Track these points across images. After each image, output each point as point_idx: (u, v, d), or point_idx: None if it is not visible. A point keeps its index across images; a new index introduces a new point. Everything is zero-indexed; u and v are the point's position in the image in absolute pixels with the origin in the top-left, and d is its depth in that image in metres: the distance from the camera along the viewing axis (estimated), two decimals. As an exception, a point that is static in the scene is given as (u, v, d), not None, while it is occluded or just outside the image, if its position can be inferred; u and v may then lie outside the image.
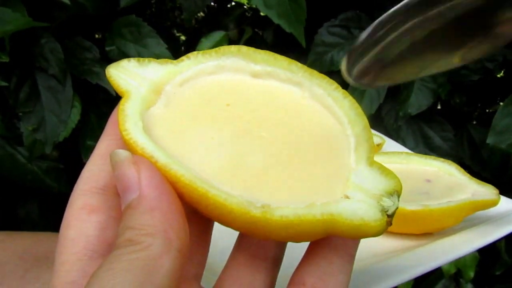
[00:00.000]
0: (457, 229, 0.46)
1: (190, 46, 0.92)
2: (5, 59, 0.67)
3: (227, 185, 0.24)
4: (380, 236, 0.48)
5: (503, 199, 0.46)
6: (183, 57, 0.29)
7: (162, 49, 0.79)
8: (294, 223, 0.22)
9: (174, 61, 0.29)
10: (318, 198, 0.24)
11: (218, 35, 0.89)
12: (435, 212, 0.44)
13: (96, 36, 0.85)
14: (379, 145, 0.57)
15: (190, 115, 0.28)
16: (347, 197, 0.23)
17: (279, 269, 0.27)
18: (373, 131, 0.62)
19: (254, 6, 0.77)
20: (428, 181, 0.48)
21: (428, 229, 0.47)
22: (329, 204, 0.23)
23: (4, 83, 0.70)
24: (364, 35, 0.24)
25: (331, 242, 0.25)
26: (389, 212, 0.23)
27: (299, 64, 0.29)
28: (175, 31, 1.15)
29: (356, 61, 0.24)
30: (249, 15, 1.04)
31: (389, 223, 0.23)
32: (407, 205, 0.45)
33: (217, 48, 0.29)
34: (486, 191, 0.46)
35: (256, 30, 1.02)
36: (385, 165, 0.54)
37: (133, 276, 0.20)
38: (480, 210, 0.45)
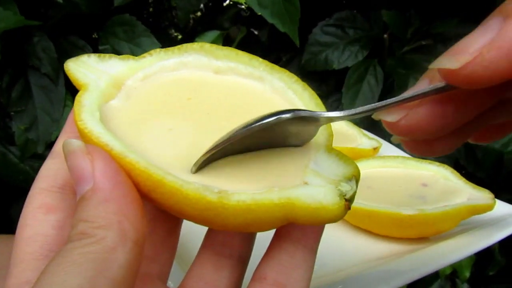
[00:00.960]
0: (453, 233, 0.45)
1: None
2: None
3: (183, 173, 0.24)
4: (377, 240, 0.48)
5: (499, 203, 0.46)
6: (145, 54, 0.29)
7: (156, 48, 0.77)
8: (252, 208, 0.22)
9: (136, 57, 0.29)
10: (277, 184, 0.23)
11: (213, 34, 0.88)
12: (431, 217, 0.44)
13: (93, 36, 0.84)
14: (376, 149, 0.57)
15: (150, 108, 0.27)
16: (306, 183, 0.23)
17: (246, 267, 0.27)
18: (370, 135, 0.62)
19: (248, 4, 0.76)
20: (424, 185, 0.48)
21: (424, 233, 0.47)
22: (287, 189, 0.23)
23: None
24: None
25: (292, 235, 0.25)
26: (347, 196, 0.22)
27: (260, 59, 0.29)
28: (172, 30, 1.14)
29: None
30: (247, 14, 1.04)
31: (347, 206, 0.22)
32: (403, 209, 0.44)
33: (179, 46, 0.29)
34: (482, 195, 0.45)
35: (251, 29, 1.01)
36: (381, 169, 0.53)
37: (85, 270, 0.19)
38: (476, 215, 0.45)
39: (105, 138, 0.24)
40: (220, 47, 0.29)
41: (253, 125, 0.23)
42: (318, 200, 0.22)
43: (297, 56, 0.96)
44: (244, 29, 0.92)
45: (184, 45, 0.29)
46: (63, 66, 0.72)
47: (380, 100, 0.89)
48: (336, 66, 0.90)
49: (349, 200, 0.23)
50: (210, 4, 1.06)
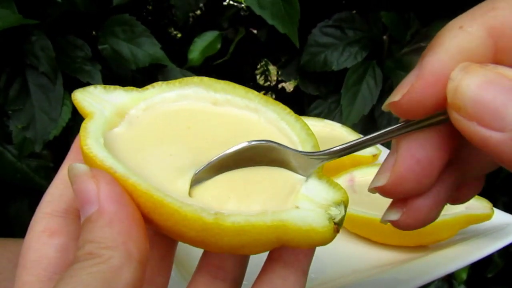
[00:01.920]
0: (451, 242, 0.45)
1: (185, 45, 0.90)
2: None
3: (182, 195, 0.25)
4: (375, 248, 0.47)
5: (497, 213, 0.46)
6: (148, 86, 0.31)
7: (156, 48, 0.77)
8: (246, 229, 0.23)
9: (139, 89, 0.31)
10: (270, 207, 0.25)
11: (211, 34, 0.87)
12: (430, 225, 0.43)
13: (93, 33, 0.83)
14: (375, 156, 0.56)
15: (151, 135, 0.29)
16: (297, 207, 0.25)
17: None
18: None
19: (248, 5, 0.75)
20: (423, 193, 0.47)
21: (423, 242, 0.46)
22: (279, 212, 0.24)
23: None
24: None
25: (284, 258, 0.26)
26: (336, 220, 0.24)
27: (256, 93, 0.31)
28: (172, 29, 1.13)
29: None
30: (246, 14, 1.03)
31: (336, 230, 0.24)
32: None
33: (180, 79, 0.31)
34: (480, 204, 0.45)
35: (250, 29, 1.01)
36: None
37: None
38: (474, 224, 0.45)
39: (109, 162, 0.25)
40: (218, 80, 0.31)
41: (231, 149, 0.27)
42: (309, 222, 0.24)
43: (296, 57, 0.95)
44: (242, 29, 0.92)
45: (185, 78, 0.31)
46: (61, 65, 0.71)
47: (378, 102, 0.88)
48: (335, 67, 0.89)
49: (338, 224, 0.24)
50: (209, 3, 1.05)
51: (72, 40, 0.77)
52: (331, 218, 0.24)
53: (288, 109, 0.30)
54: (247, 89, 0.31)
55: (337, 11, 0.91)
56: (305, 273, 0.26)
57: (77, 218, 0.27)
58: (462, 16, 0.22)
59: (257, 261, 0.28)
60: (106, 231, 0.22)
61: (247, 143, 0.27)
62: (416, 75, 0.22)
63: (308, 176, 0.27)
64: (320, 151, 0.27)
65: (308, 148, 0.28)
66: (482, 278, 0.86)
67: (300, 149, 0.28)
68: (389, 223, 0.27)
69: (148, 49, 0.77)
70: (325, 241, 0.24)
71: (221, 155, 0.27)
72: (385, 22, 0.85)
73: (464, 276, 0.84)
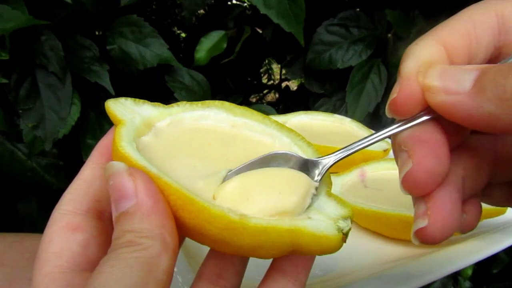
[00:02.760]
0: (464, 237, 0.45)
1: (190, 44, 0.90)
2: (5, 56, 0.65)
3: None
4: (386, 243, 0.47)
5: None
6: (173, 104, 0.34)
7: (164, 49, 0.78)
8: (267, 230, 0.25)
9: (166, 106, 0.34)
10: (286, 218, 0.27)
11: (217, 34, 0.87)
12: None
13: (96, 33, 0.83)
14: (386, 151, 0.56)
15: (177, 147, 0.32)
16: (310, 218, 0.27)
17: None
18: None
19: (254, 4, 0.75)
20: (435, 188, 0.47)
21: (435, 237, 0.46)
22: (296, 220, 0.27)
23: (4, 80, 0.69)
24: None
25: (285, 269, 0.29)
26: (344, 231, 0.27)
27: (272, 119, 0.34)
28: (175, 28, 1.13)
29: None
30: (249, 13, 1.02)
31: (344, 239, 0.27)
32: (412, 212, 0.43)
33: (203, 101, 0.35)
34: (493, 199, 0.44)
35: (255, 27, 1.00)
36: (392, 171, 0.53)
37: (137, 270, 0.23)
38: (487, 218, 0.44)
39: (142, 162, 0.27)
40: (238, 106, 0.35)
41: (257, 158, 0.30)
42: (321, 230, 0.26)
43: (301, 55, 0.95)
44: (248, 29, 0.91)
45: (207, 101, 0.35)
46: (69, 65, 0.72)
47: (383, 99, 0.88)
48: (340, 65, 0.89)
49: (345, 235, 0.27)
50: (213, 2, 1.04)
51: (80, 40, 0.77)
52: (339, 229, 0.27)
53: (301, 136, 0.34)
54: (264, 115, 0.34)
55: (342, 9, 0.91)
56: (303, 283, 0.29)
57: (98, 218, 0.29)
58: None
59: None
60: (145, 222, 0.24)
61: (269, 153, 0.30)
62: (398, 81, 0.27)
63: (320, 194, 0.30)
64: (326, 156, 0.30)
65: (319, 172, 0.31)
66: (488, 274, 0.86)
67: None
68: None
69: (156, 49, 0.78)
70: (334, 249, 0.27)
71: (248, 162, 0.30)
72: (390, 20, 0.85)
73: (469, 272, 0.83)
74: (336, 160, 0.30)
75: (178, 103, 0.34)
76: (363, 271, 0.45)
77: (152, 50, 0.78)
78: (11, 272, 0.48)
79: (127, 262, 0.23)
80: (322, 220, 0.27)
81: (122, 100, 0.33)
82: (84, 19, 0.79)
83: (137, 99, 0.33)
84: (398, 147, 0.27)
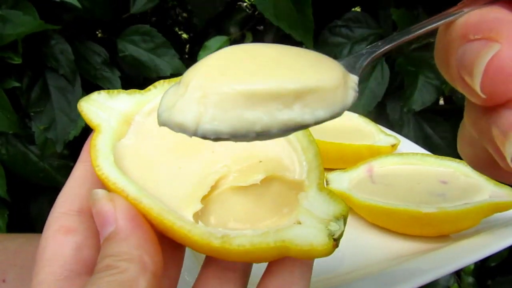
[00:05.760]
0: (474, 231, 0.43)
1: (194, 46, 0.90)
2: (18, 61, 0.65)
3: (194, 206, 0.26)
4: (395, 238, 0.45)
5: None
6: (150, 86, 0.30)
7: (175, 59, 0.79)
8: (250, 251, 0.24)
9: (142, 91, 0.30)
10: (273, 221, 0.26)
11: (220, 39, 0.87)
12: (452, 215, 0.41)
13: (100, 35, 0.83)
14: (394, 146, 0.54)
15: (159, 145, 0.29)
16: (299, 222, 0.25)
17: (248, 279, 0.28)
18: (388, 131, 0.60)
19: (266, 17, 0.76)
20: (444, 182, 0.45)
21: (445, 232, 0.44)
22: (281, 231, 0.24)
23: (16, 84, 0.69)
24: None
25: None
26: (335, 236, 0.24)
27: None
28: (176, 29, 1.12)
29: None
30: (250, 12, 1.01)
31: (335, 246, 0.24)
32: (422, 207, 0.42)
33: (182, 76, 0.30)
34: (504, 192, 0.43)
35: (257, 27, 0.99)
36: (400, 166, 0.51)
37: None
38: (498, 212, 0.42)
39: (121, 184, 0.26)
40: None
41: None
42: (309, 241, 0.24)
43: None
44: (249, 35, 0.91)
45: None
46: (79, 67, 0.71)
47: (391, 97, 0.86)
48: (343, 62, 0.88)
49: (337, 239, 0.24)
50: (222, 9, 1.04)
51: (90, 45, 0.77)
52: (330, 235, 0.24)
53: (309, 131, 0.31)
54: None
55: (346, 8, 0.89)
56: (310, 266, 0.27)
57: (91, 217, 0.27)
58: None
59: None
60: (122, 246, 0.24)
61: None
62: None
63: (309, 188, 0.27)
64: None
65: (311, 157, 0.29)
66: (490, 269, 0.84)
67: (302, 158, 0.29)
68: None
69: (169, 60, 0.79)
70: (325, 256, 0.25)
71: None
72: (394, 19, 0.83)
73: (471, 266, 0.81)
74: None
75: (155, 83, 0.31)
76: (372, 266, 0.43)
77: (164, 60, 0.78)
78: (23, 272, 0.47)
79: (103, 286, 0.22)
80: (313, 226, 0.25)
81: (94, 96, 0.30)
82: (93, 25, 0.79)
83: (111, 91, 0.30)
84: (462, 37, 0.19)
